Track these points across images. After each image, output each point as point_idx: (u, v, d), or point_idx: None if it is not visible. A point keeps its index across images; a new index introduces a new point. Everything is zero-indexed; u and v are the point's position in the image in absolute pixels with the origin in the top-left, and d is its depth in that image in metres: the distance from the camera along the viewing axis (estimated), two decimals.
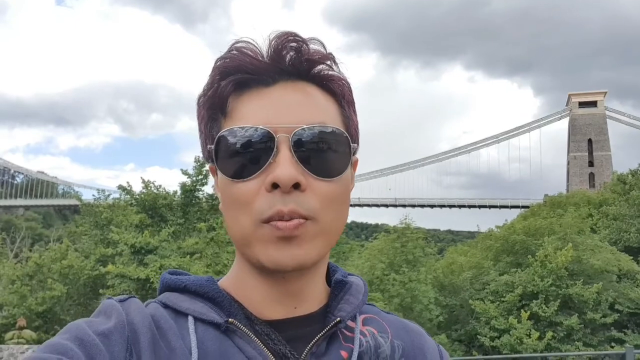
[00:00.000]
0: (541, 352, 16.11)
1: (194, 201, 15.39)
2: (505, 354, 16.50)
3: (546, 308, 17.70)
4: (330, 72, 0.73)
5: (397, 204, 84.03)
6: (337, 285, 0.78)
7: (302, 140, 0.66)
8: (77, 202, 21.32)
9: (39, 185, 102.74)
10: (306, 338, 0.70)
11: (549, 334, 16.82)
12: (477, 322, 18.85)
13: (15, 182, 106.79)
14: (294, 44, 0.69)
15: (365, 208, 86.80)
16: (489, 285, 19.87)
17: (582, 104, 79.93)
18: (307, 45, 0.70)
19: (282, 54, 0.69)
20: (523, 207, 61.60)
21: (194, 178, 15.24)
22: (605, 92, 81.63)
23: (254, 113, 0.68)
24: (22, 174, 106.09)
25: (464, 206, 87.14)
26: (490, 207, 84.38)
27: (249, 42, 0.70)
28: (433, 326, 18.56)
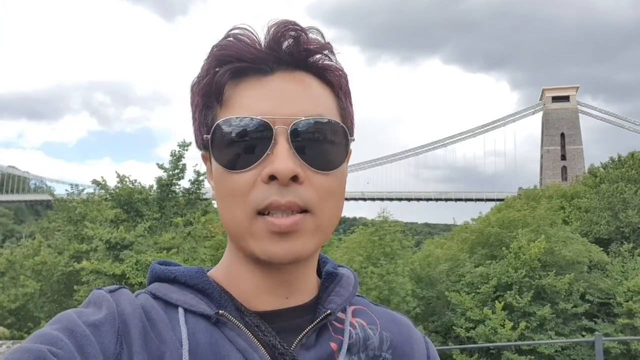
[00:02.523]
0: (515, 341, 16.43)
1: (170, 195, 15.21)
2: (480, 344, 16.79)
3: (520, 299, 18.04)
4: (327, 62, 0.72)
5: (365, 197, 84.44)
6: (327, 277, 0.78)
7: (301, 132, 0.65)
8: (50, 197, 20.89)
9: (9, 180, 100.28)
10: (296, 329, 0.71)
11: (523, 324, 17.17)
12: (453, 314, 19.09)
13: None
14: (292, 33, 0.68)
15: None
16: (464, 277, 20.12)
17: (555, 99, 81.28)
18: (305, 34, 0.69)
19: (280, 42, 0.68)
20: (498, 200, 62.50)
21: (170, 172, 15.03)
22: (577, 87, 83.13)
23: (251, 103, 0.67)
24: None
25: (440, 199, 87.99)
26: (467, 200, 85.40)
27: (245, 29, 0.69)
28: (410, 318, 18.52)
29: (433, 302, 20.21)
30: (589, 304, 18.67)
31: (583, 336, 17.15)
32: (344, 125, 0.70)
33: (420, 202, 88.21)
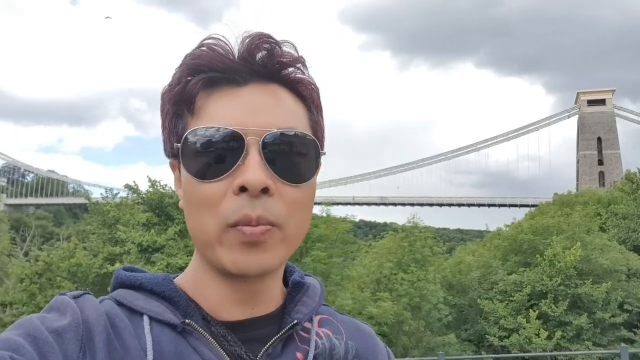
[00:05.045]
0: (550, 351, 16.01)
1: None
2: (515, 353, 16.42)
3: (555, 307, 17.60)
4: (300, 76, 0.72)
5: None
6: (294, 287, 0.79)
7: (272, 144, 0.66)
8: (86, 201, 21.44)
9: (49, 184, 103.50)
10: (262, 339, 0.71)
11: (558, 334, 16.73)
12: (486, 322, 18.77)
13: (26, 180, 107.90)
14: (266, 45, 0.69)
15: (373, 206, 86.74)
16: (497, 284, 19.78)
17: (591, 102, 79.32)
18: (279, 46, 0.70)
19: (254, 53, 0.68)
20: (532, 206, 61.08)
21: None
22: (614, 90, 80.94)
23: (223, 113, 0.67)
24: (32, 172, 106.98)
25: (473, 205, 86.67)
26: (500, 206, 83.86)
27: (219, 40, 0.69)
28: (442, 326, 18.40)
29: (465, 310, 19.93)
30: (628, 314, 18.05)
31: None
32: (315, 139, 0.71)
33: (452, 207, 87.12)
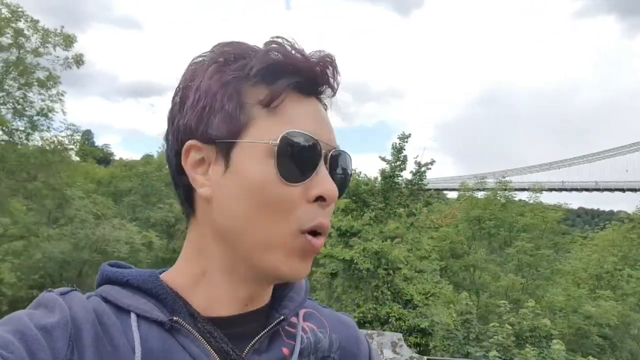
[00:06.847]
0: None
1: (393, 187, 15.55)
2: None
3: None
4: (332, 99, 0.76)
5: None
6: (281, 282, 0.80)
7: (336, 159, 0.71)
8: None
9: None
10: (249, 335, 0.72)
11: None
12: None
13: None
14: (332, 65, 0.71)
15: (595, 193, 77.18)
16: None
17: None
18: (337, 71, 0.72)
19: (326, 70, 0.71)
20: None
21: (392, 164, 15.37)
22: None
23: (302, 120, 0.69)
24: None
25: None
26: None
27: (294, 45, 0.70)
28: None
29: None
30: None
31: None
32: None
33: None
